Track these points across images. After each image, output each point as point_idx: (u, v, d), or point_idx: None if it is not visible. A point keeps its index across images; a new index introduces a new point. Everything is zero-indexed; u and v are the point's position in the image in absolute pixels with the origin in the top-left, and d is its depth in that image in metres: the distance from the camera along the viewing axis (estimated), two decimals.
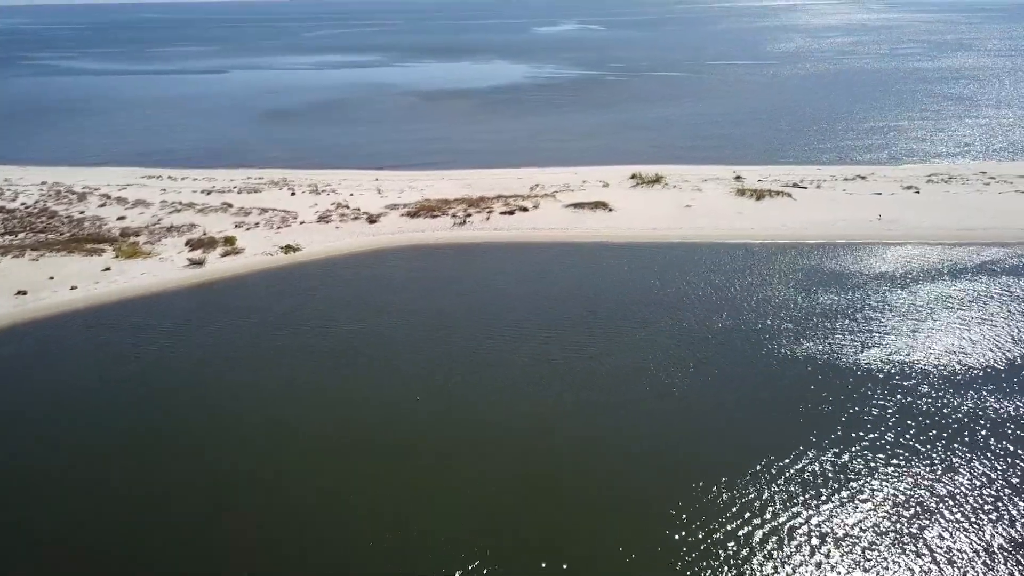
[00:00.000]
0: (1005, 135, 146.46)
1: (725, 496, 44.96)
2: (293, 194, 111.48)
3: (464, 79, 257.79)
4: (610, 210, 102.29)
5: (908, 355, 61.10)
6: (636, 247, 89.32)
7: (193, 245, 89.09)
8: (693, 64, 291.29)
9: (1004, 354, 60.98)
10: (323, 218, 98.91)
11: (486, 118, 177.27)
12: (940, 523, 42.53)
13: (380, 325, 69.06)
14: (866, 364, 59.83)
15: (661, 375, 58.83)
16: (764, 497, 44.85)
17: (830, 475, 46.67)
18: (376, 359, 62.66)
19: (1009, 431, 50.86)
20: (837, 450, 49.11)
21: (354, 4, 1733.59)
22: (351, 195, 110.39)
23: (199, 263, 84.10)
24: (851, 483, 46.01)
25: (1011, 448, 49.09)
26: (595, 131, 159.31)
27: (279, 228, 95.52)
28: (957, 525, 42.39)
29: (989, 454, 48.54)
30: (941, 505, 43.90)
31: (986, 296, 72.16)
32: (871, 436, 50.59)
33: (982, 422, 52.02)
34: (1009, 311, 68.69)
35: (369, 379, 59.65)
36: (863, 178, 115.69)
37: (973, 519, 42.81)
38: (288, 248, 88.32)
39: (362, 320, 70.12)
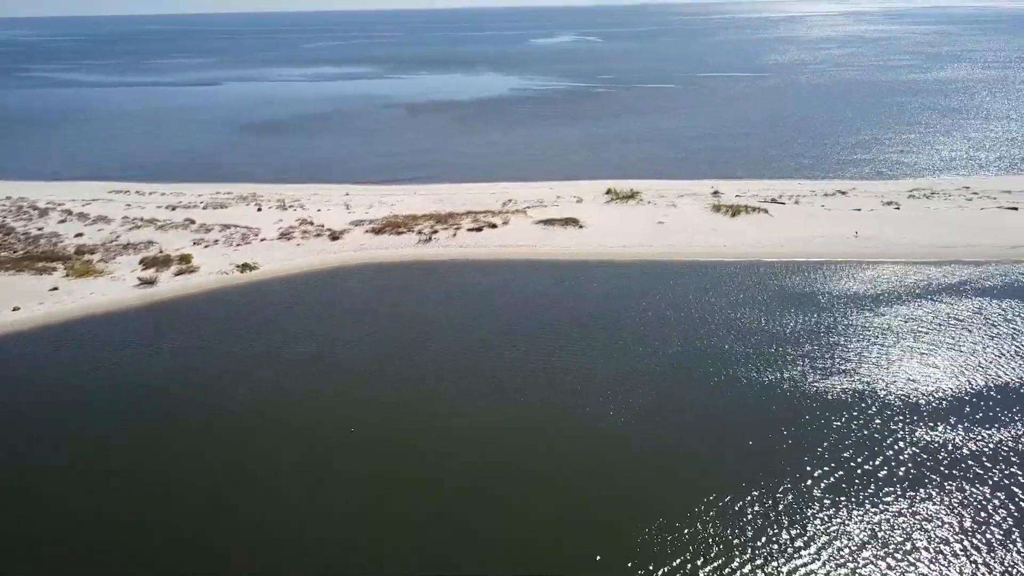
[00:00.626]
0: (992, 149, 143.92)
1: (668, 536, 42.20)
2: (260, 210, 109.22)
3: (454, 91, 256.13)
4: (581, 227, 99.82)
5: (870, 383, 58.33)
6: (604, 265, 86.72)
7: (147, 263, 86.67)
8: (685, 76, 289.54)
9: (970, 382, 58.18)
10: (285, 235, 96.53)
11: (469, 131, 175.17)
12: (905, 559, 39.72)
13: (315, 351, 66.44)
14: (826, 392, 57.07)
15: (600, 405, 56.10)
16: (720, 532, 42.08)
17: (786, 510, 43.87)
18: (301, 388, 60.01)
19: (971, 464, 48.06)
20: (791, 484, 46.32)
21: (356, 17, 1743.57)
22: (318, 211, 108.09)
23: (150, 282, 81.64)
24: (808, 517, 43.21)
25: (975, 482, 46.28)
26: (577, 145, 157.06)
27: (238, 245, 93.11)
28: (925, 560, 39.59)
29: (954, 487, 45.74)
30: (908, 539, 41.08)
31: (958, 319, 69.38)
32: (827, 468, 47.81)
33: (944, 453, 49.23)
34: (979, 336, 65.90)
35: (294, 412, 56.98)
36: (843, 193, 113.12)
37: (943, 552, 40.01)
38: (244, 267, 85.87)
39: (295, 345, 67.50)
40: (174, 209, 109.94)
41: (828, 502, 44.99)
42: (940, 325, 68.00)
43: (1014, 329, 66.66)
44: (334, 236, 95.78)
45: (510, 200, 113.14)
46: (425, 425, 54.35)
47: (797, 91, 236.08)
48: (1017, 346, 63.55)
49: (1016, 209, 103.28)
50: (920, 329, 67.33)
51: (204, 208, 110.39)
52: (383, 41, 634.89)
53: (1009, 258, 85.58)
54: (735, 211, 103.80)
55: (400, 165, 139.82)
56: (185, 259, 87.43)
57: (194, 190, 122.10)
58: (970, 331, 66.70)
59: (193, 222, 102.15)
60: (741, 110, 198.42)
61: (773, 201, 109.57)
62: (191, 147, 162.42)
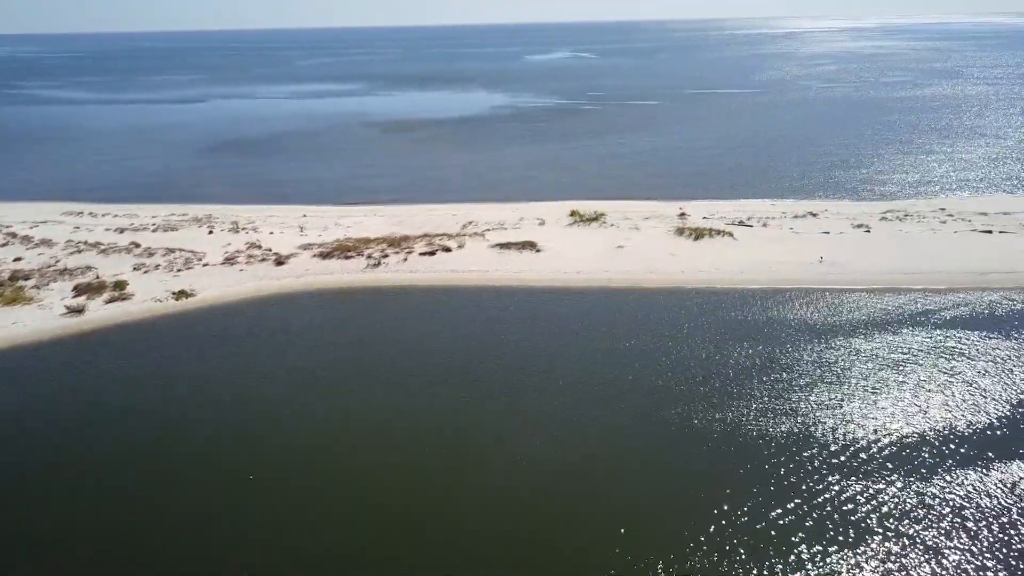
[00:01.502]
0: (973, 169, 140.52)
1: None
2: (211, 232, 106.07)
3: (438, 109, 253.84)
4: (538, 251, 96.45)
5: (809, 426, 54.61)
6: (553, 292, 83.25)
7: (80, 291, 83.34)
8: (672, 93, 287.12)
9: (913, 427, 54.44)
10: (229, 260, 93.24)
11: (445, 151, 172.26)
12: None
13: (230, 385, 62.91)
14: (763, 436, 53.37)
15: (519, 447, 52.45)
16: None
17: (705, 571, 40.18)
18: (206, 426, 56.45)
19: (917, 515, 44.32)
20: (716, 536, 42.60)
21: (357, 33, 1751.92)
22: (271, 234, 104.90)
23: (78, 311, 78.29)
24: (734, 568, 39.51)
25: (923, 533, 42.52)
26: (552, 164, 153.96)
27: (180, 271, 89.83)
28: None
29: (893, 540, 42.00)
30: None
31: (911, 353, 65.67)
32: (761, 516, 44.08)
33: (878, 506, 45.49)
34: (931, 374, 62.16)
35: (195, 451, 53.40)
36: (814, 215, 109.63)
37: None
38: (180, 294, 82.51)
39: (209, 379, 63.99)
40: (123, 232, 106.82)
41: (755, 552, 41.24)
42: (891, 361, 64.24)
43: (970, 365, 62.90)
44: (279, 261, 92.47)
45: (471, 222, 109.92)
46: (334, 465, 50.77)
47: (784, 108, 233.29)
48: (970, 385, 59.80)
49: (990, 232, 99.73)
50: (869, 366, 63.59)
51: (154, 231, 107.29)
52: (380, 58, 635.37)
53: (977, 285, 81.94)
54: (698, 235, 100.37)
55: (366, 186, 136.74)
56: (120, 285, 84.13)
57: (150, 211, 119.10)
58: (922, 367, 62.95)
59: (138, 246, 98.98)
60: (724, 128, 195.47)
61: (741, 223, 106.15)
62: (159, 166, 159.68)
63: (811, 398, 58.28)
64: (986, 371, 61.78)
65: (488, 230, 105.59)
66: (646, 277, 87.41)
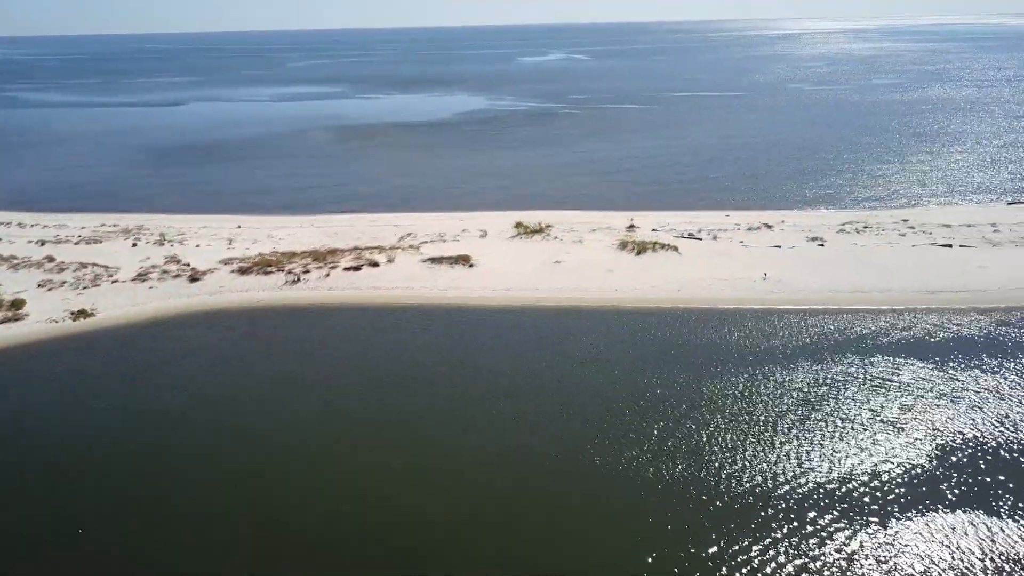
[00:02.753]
0: (945, 177, 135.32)
1: None
2: (135, 245, 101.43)
3: (414, 112, 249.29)
4: (470, 266, 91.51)
5: (708, 471, 49.60)
6: (475, 311, 78.37)
7: None
8: (656, 96, 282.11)
9: (814, 479, 49.38)
10: (142, 275, 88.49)
11: (408, 157, 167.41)
12: None
13: (104, 416, 58.09)
14: (661, 481, 48.39)
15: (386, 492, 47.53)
16: None
17: None
18: (66, 460, 51.63)
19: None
20: None
21: (357, 35, 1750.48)
22: (196, 246, 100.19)
23: None
24: None
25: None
26: (511, 171, 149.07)
27: (85, 288, 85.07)
28: None
29: None
30: None
31: (837, 383, 60.56)
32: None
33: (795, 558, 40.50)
34: (849, 409, 57.07)
35: (43, 487, 48.57)
36: (769, 227, 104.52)
37: None
38: (79, 313, 77.74)
39: (80, 409, 59.18)
40: (43, 244, 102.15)
41: None
42: (807, 397, 59.05)
43: (897, 398, 57.78)
44: (194, 278, 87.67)
45: (410, 234, 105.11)
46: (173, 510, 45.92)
47: (763, 112, 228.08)
48: (889, 427, 54.71)
49: (950, 246, 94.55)
50: (784, 401, 58.47)
51: (77, 243, 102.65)
52: (374, 60, 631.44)
53: (926, 304, 76.83)
54: (641, 249, 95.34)
55: (313, 194, 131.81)
56: (17, 304, 79.44)
57: (80, 221, 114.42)
58: (840, 402, 57.81)
59: (52, 260, 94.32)
60: (697, 133, 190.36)
61: (690, 236, 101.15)
62: (110, 172, 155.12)
63: (713, 437, 53.22)
64: (908, 407, 56.66)
65: (425, 243, 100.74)
66: (577, 295, 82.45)
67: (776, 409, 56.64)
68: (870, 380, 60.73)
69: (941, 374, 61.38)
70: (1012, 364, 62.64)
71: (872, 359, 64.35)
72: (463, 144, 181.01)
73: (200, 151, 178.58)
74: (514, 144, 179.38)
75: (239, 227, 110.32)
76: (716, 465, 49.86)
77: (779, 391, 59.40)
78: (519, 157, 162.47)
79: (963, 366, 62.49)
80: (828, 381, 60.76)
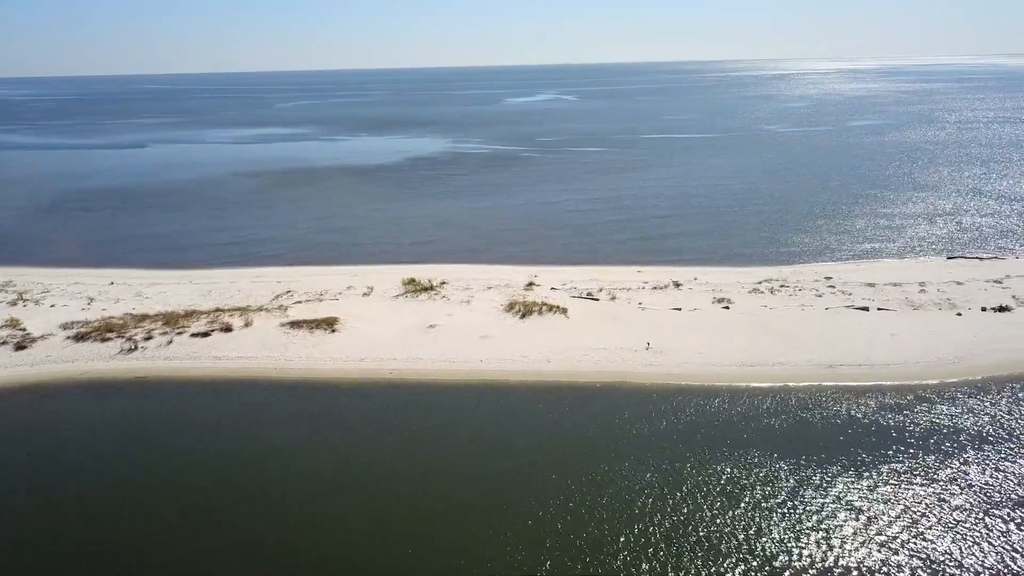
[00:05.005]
0: (890, 226, 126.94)
1: None
2: None
3: (373, 155, 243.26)
4: (333, 331, 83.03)
5: None
6: (315, 386, 69.91)
7: None
8: (628, 138, 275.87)
9: None
10: None
11: (345, 202, 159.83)
12: None
13: None
14: None
15: None
16: None
17: None
18: None
19: None
20: None
21: (354, 76, 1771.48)
22: (52, 306, 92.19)
23: None
24: None
25: None
26: (446, 219, 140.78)
27: None
28: None
29: None
30: None
31: (679, 488, 51.44)
32: None
33: None
34: (696, 511, 47.93)
35: None
36: (678, 285, 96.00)
37: None
38: None
39: None
40: None
41: None
42: (621, 505, 49.88)
43: (742, 514, 48.60)
44: (21, 345, 79.31)
45: (289, 291, 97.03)
46: None
47: (730, 155, 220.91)
48: (743, 534, 45.55)
49: (866, 309, 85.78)
50: (606, 515, 49.35)
51: None
52: (361, 100, 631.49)
53: (820, 381, 67.97)
54: (527, 311, 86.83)
55: (214, 246, 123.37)
56: None
57: None
58: (666, 508, 48.64)
59: None
60: (652, 177, 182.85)
61: (588, 296, 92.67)
62: (10, 220, 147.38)
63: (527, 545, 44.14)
64: (750, 525, 47.48)
65: (299, 302, 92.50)
66: (437, 367, 73.82)
67: (572, 517, 47.51)
68: (718, 484, 51.57)
69: (796, 480, 52.18)
70: (885, 468, 53.35)
71: (731, 456, 55.23)
72: (406, 190, 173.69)
73: (127, 197, 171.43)
74: (459, 191, 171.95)
75: (111, 283, 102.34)
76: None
77: (589, 493, 50.25)
78: (458, 204, 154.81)
79: (831, 472, 53.18)
80: (659, 483, 51.59)
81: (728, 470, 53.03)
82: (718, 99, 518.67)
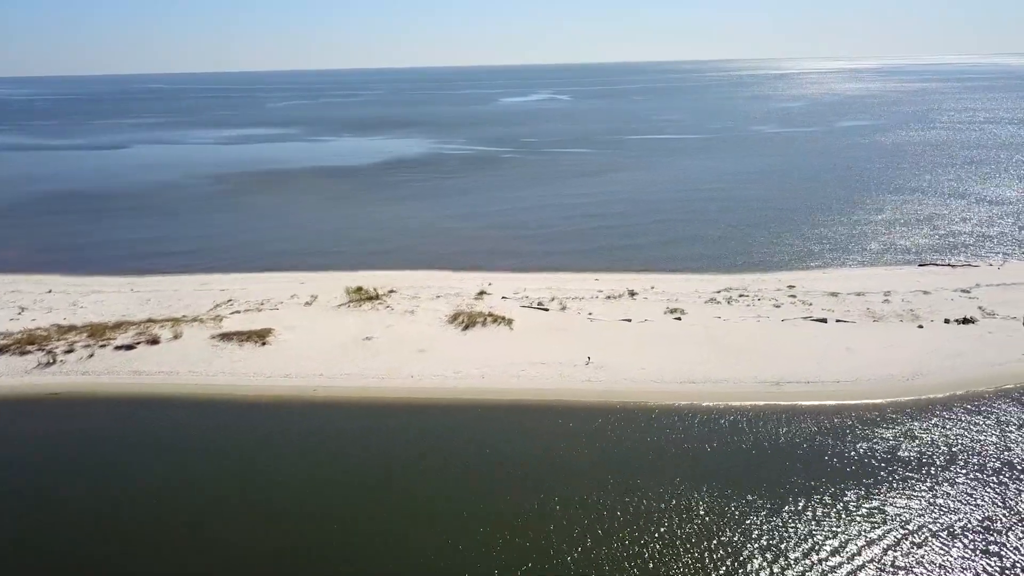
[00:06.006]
0: (864, 232, 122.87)
1: None
2: None
3: (353, 156, 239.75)
4: (264, 344, 79.40)
5: None
6: (233, 406, 66.33)
7: None
8: (613, 139, 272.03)
9: None
10: None
11: (312, 206, 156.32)
12: None
13: None
14: None
15: None
16: None
17: None
18: None
19: None
20: None
21: (355, 75, 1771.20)
22: None
23: None
24: None
25: None
26: (412, 223, 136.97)
27: None
28: None
29: None
30: None
31: (605, 512, 47.75)
32: None
33: None
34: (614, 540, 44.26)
35: None
36: (633, 294, 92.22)
37: None
38: None
39: None
40: None
41: None
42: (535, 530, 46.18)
43: (657, 546, 44.90)
44: None
45: (230, 300, 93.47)
46: None
47: (714, 156, 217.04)
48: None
49: (824, 321, 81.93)
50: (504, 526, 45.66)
51: None
52: (354, 100, 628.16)
53: (766, 400, 64.22)
54: (471, 322, 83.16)
55: (164, 253, 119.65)
56: None
57: None
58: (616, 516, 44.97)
59: None
60: (632, 179, 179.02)
61: (538, 306, 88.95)
62: None
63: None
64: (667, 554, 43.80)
65: (237, 312, 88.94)
66: (364, 384, 70.20)
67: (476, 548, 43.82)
68: (628, 513, 47.84)
69: (709, 510, 48.44)
70: (803, 500, 49.59)
71: (648, 483, 51.49)
72: (378, 193, 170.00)
73: (88, 200, 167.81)
74: (429, 193, 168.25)
75: (49, 291, 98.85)
76: None
77: (482, 528, 46.55)
78: (425, 208, 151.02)
79: (745, 503, 49.47)
80: (566, 514, 47.86)
81: (643, 502, 49.30)
82: (713, 99, 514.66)
